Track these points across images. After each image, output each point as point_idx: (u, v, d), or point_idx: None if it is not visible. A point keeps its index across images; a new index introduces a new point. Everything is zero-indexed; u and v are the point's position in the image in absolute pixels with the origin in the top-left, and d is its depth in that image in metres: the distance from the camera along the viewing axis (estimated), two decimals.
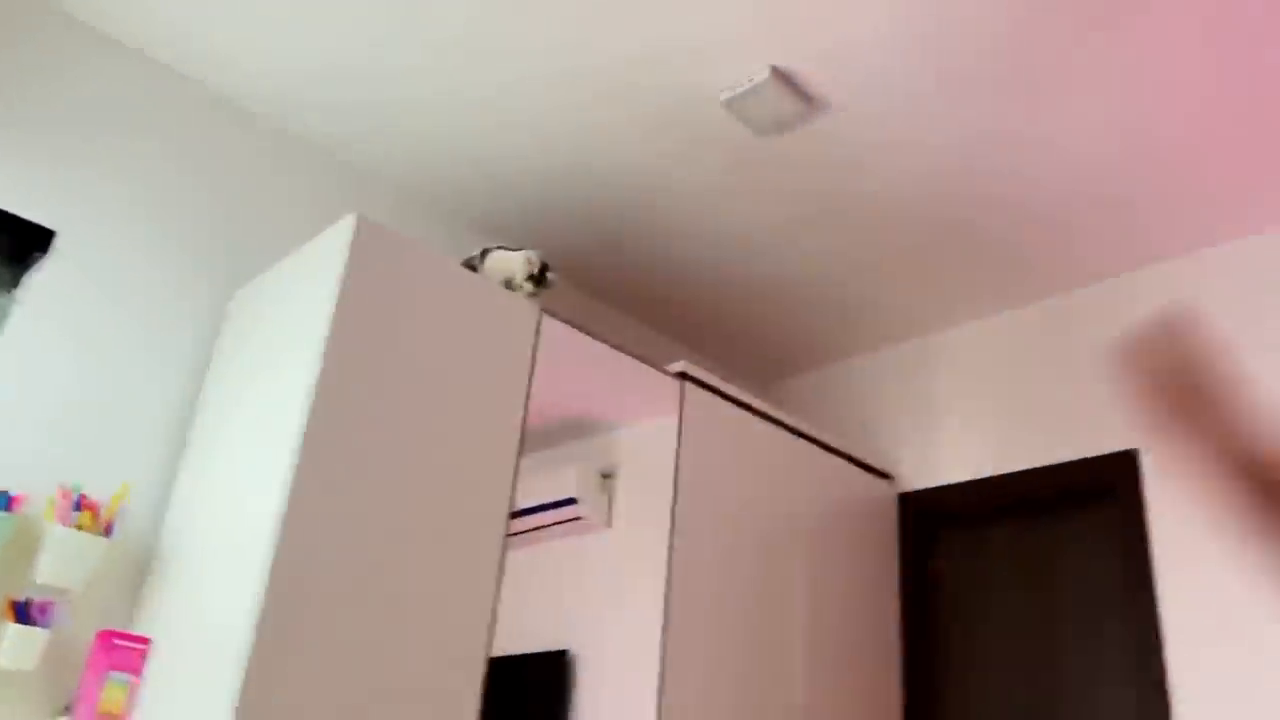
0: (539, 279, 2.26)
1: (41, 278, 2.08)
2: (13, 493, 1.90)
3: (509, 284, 2.27)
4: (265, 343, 2.09)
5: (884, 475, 3.15)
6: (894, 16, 2.08)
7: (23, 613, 1.85)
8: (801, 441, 2.84)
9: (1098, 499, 2.74)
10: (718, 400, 2.65)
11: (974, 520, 3.01)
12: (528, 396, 2.19)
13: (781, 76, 2.27)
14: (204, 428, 2.17)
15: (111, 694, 1.82)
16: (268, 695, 1.62)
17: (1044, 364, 2.96)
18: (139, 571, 2.09)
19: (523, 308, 2.24)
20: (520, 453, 2.14)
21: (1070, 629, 2.69)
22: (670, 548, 2.38)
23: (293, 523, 1.73)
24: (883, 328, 3.30)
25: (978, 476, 2.97)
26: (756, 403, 2.75)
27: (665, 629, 2.29)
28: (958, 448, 3.06)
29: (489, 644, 1.95)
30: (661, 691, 2.23)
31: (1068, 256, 2.81)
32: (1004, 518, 2.95)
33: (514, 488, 2.10)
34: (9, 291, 0.96)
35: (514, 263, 2.26)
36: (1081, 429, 2.79)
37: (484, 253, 2.32)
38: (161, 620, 1.95)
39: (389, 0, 2.16)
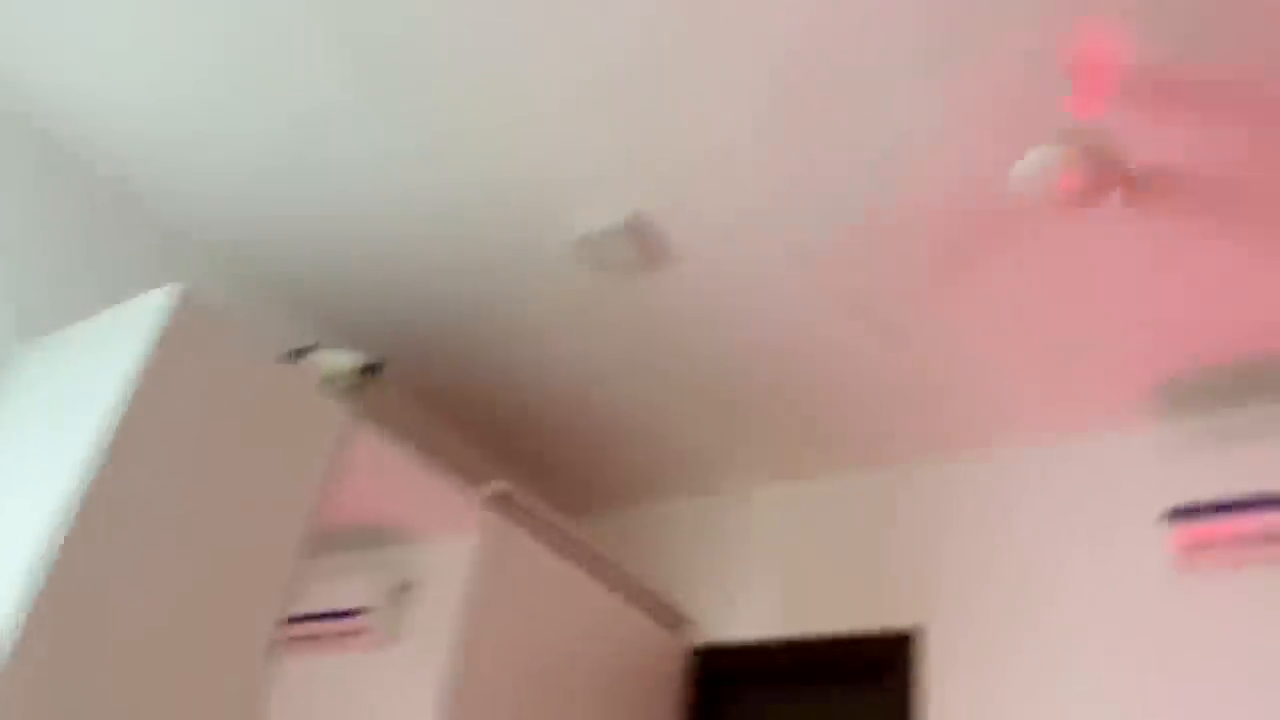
0: (365, 376, 2.21)
1: None
2: None
3: (332, 379, 2.21)
4: (51, 404, 1.94)
5: (677, 626, 3.16)
6: (753, 182, 2.21)
7: None
8: (601, 581, 2.83)
9: (877, 673, 2.82)
10: (524, 529, 2.61)
11: (761, 681, 3.04)
12: (323, 498, 2.11)
13: (634, 223, 2.35)
14: None
15: None
16: None
17: (840, 535, 3.08)
18: None
19: (334, 408, 2.17)
20: (304, 556, 2.04)
21: None
22: (452, 673, 2.29)
23: (46, 602, 1.57)
24: (696, 478, 3.37)
25: (768, 638, 3.02)
26: (563, 537, 2.73)
27: None
28: (751, 607, 3.12)
29: None
30: None
31: (873, 437, 2.97)
32: (788, 681, 2.99)
33: (290, 592, 1.99)
34: None
35: (339, 360, 2.21)
36: (865, 602, 2.89)
37: (308, 349, 2.25)
38: None
39: (243, 74, 2.14)
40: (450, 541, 2.54)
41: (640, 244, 2.39)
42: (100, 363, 1.90)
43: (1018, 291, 2.35)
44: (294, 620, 2.50)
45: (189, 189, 2.48)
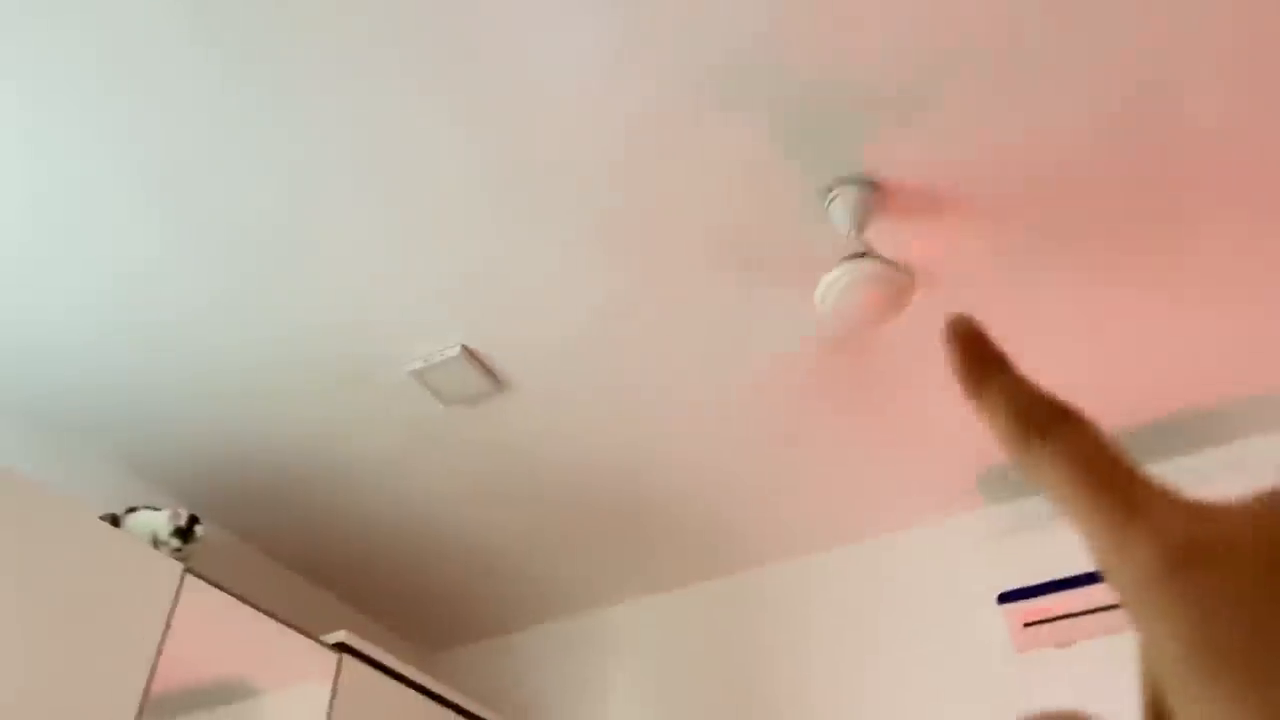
0: (185, 534, 2.13)
1: None
2: None
3: (155, 541, 2.12)
4: None
5: None
6: (577, 313, 2.27)
7: None
8: (461, 718, 2.74)
9: None
10: (376, 673, 2.53)
11: None
12: (160, 658, 2.00)
13: (469, 354, 2.37)
14: None
15: None
16: None
17: (697, 648, 3.08)
18: None
19: (164, 566, 2.08)
20: (142, 717, 1.91)
21: None
22: None
23: None
24: (552, 602, 3.33)
25: None
26: (418, 676, 2.65)
27: None
28: None
29: None
30: None
31: (727, 542, 3.02)
32: None
33: None
34: None
35: (158, 521, 2.12)
36: (740, 710, 2.89)
37: (126, 511, 2.16)
38: None
39: (50, 237, 2.09)
40: (300, 692, 2.43)
41: (476, 372, 2.41)
42: None
43: (855, 394, 2.47)
44: None
45: None
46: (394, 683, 2.57)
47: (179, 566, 2.11)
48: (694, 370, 2.42)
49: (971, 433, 2.59)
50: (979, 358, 0.26)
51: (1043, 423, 0.24)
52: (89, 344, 2.36)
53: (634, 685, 3.13)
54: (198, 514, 2.88)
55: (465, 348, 2.37)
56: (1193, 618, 0.20)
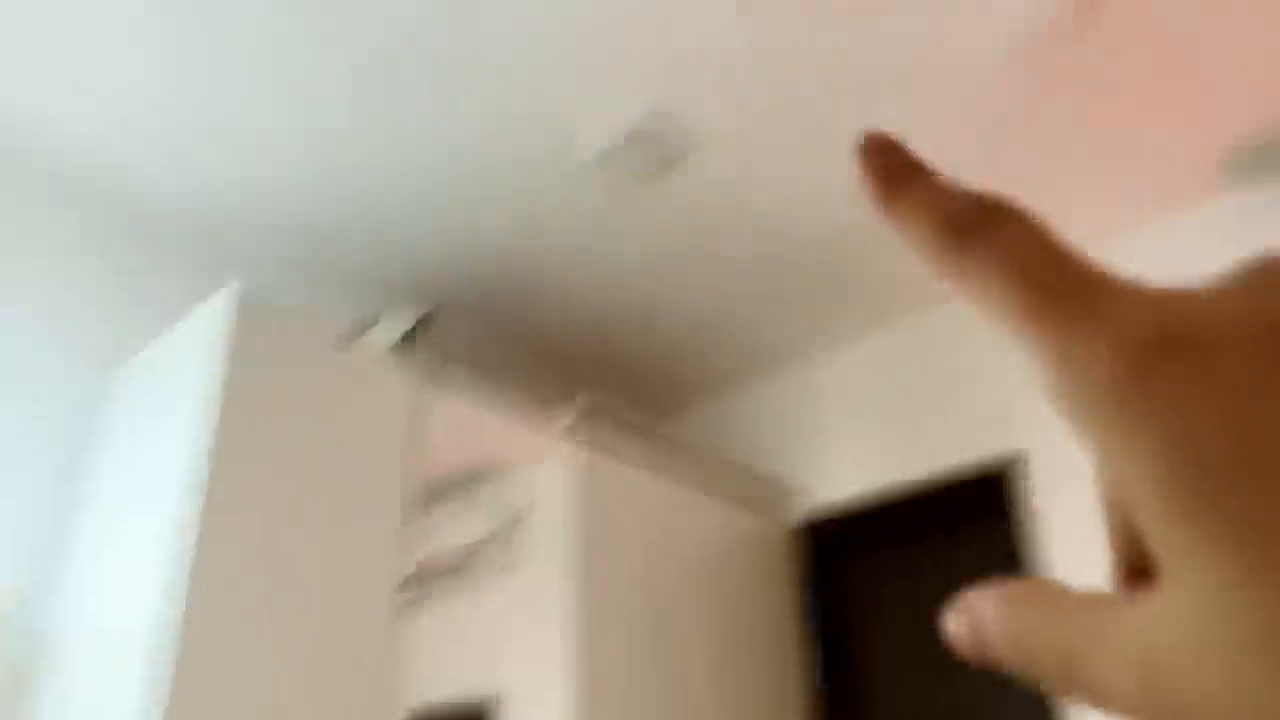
0: (414, 333, 2.27)
1: None
2: None
3: (391, 343, 2.28)
4: (145, 423, 2.05)
5: (778, 506, 3.23)
6: (762, 57, 2.16)
7: None
8: (695, 477, 2.90)
9: (987, 507, 2.85)
10: (609, 442, 2.69)
11: (869, 544, 3.10)
12: (412, 455, 2.20)
13: (651, 122, 2.33)
14: (88, 514, 2.11)
15: None
16: None
17: (917, 381, 3.08)
18: (22, 675, 2.02)
19: (402, 370, 2.24)
20: (409, 513, 2.14)
21: None
22: (572, 591, 2.40)
23: (184, 611, 1.70)
24: (764, 356, 3.39)
25: (871, 499, 3.06)
26: (647, 442, 2.81)
27: (575, 671, 2.31)
28: (845, 472, 3.16)
29: (399, 702, 1.94)
30: None
31: (923, 279, 2.93)
32: (897, 539, 3.04)
33: (404, 548, 2.10)
34: None
35: (389, 328, 2.27)
36: (961, 441, 2.91)
37: (361, 327, 2.32)
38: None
39: (249, 63, 2.15)
40: (546, 468, 2.63)
41: (659, 140, 2.37)
42: (179, 375, 1.99)
43: (1078, 84, 2.27)
44: (417, 570, 2.64)
45: (211, 191, 2.53)
46: (631, 448, 2.73)
47: (418, 367, 2.27)
48: (890, 85, 2.28)
49: (1213, 109, 2.34)
50: (895, 165, 0.22)
51: (972, 222, 0.20)
52: (306, 184, 2.48)
53: (853, 431, 3.19)
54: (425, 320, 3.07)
55: (645, 115, 2.32)
56: (1174, 425, 0.16)
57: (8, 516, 2.08)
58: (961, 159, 2.46)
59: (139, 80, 2.17)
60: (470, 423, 2.49)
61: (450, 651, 2.66)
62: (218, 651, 1.72)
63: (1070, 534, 2.60)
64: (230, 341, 1.93)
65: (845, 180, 2.52)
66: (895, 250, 2.81)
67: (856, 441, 3.17)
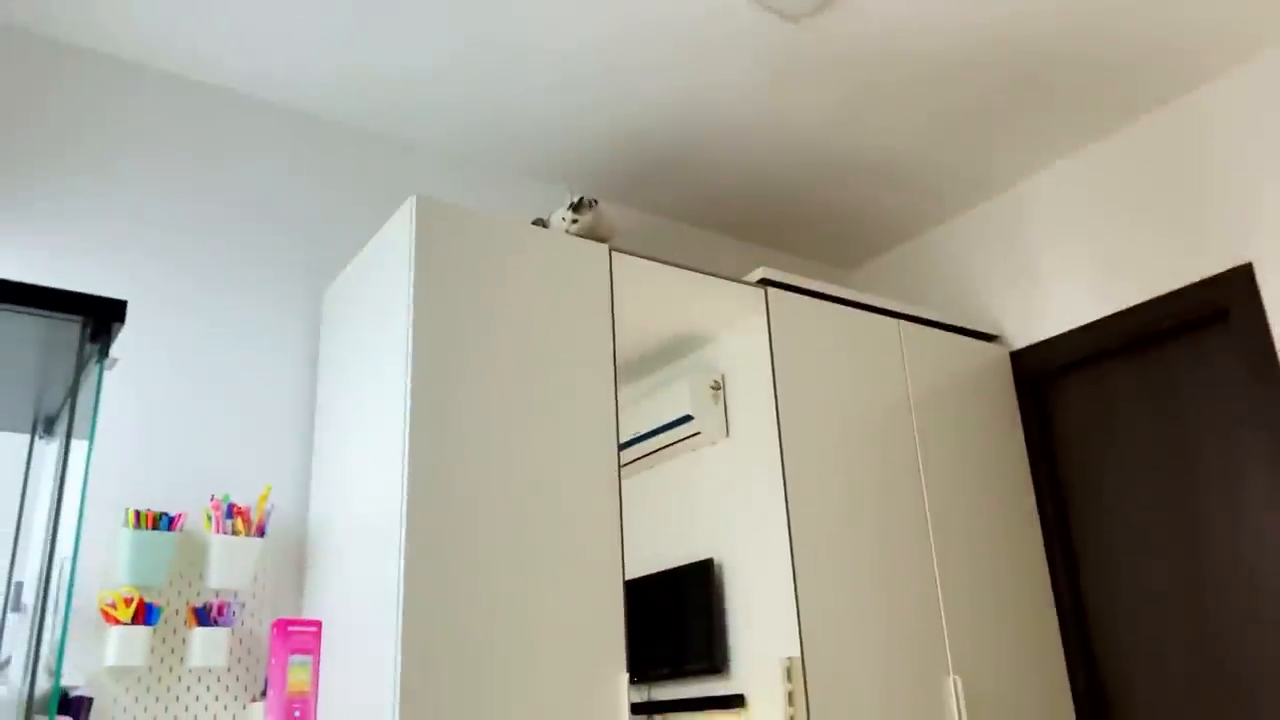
0: (578, 207, 2.31)
1: (153, 317, 2.25)
2: (173, 513, 2.09)
3: (571, 226, 2.33)
4: (361, 331, 2.21)
5: (990, 338, 3.11)
6: None
7: (204, 616, 2.05)
8: (897, 321, 2.83)
9: (1213, 321, 2.64)
10: (803, 299, 2.65)
11: (1090, 367, 2.95)
12: (613, 331, 2.25)
13: None
14: (325, 420, 2.32)
15: (296, 675, 2.01)
16: (424, 656, 1.77)
17: (1128, 196, 2.84)
18: (297, 561, 2.27)
19: (593, 251, 2.29)
20: (617, 383, 2.21)
21: (1206, 461, 2.63)
22: (781, 450, 2.43)
23: (416, 493, 1.85)
24: (960, 191, 3.21)
25: (1087, 321, 2.89)
26: (843, 292, 2.75)
27: (790, 527, 2.36)
28: (1060, 296, 2.99)
29: (623, 569, 2.05)
30: (796, 590, 2.31)
31: (1126, 85, 2.66)
32: (1120, 359, 2.88)
33: (618, 418, 2.18)
34: (100, 362, 1.07)
35: (558, 216, 2.33)
36: (1185, 253, 2.68)
37: (544, 216, 2.38)
38: (325, 602, 2.12)
39: None
40: (744, 332, 2.64)
41: None
42: (382, 284, 2.12)
43: None
44: (634, 440, 2.75)
45: (396, 105, 2.63)
46: (821, 303, 2.68)
47: (604, 249, 2.31)
48: None
49: None
50: None
51: None
52: (462, 66, 2.53)
53: (1061, 255, 2.99)
54: (597, 199, 3.10)
55: None
56: None
57: (256, 430, 2.32)
58: None
59: (340, 18, 2.26)
60: (662, 294, 2.52)
61: (676, 518, 2.77)
62: (448, 530, 1.87)
63: None
64: (419, 243, 2.03)
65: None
66: (1097, 56, 2.56)
67: (1065, 266, 2.98)
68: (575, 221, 2.31)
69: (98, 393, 1.04)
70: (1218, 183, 2.64)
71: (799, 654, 2.27)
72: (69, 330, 0.99)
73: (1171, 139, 2.77)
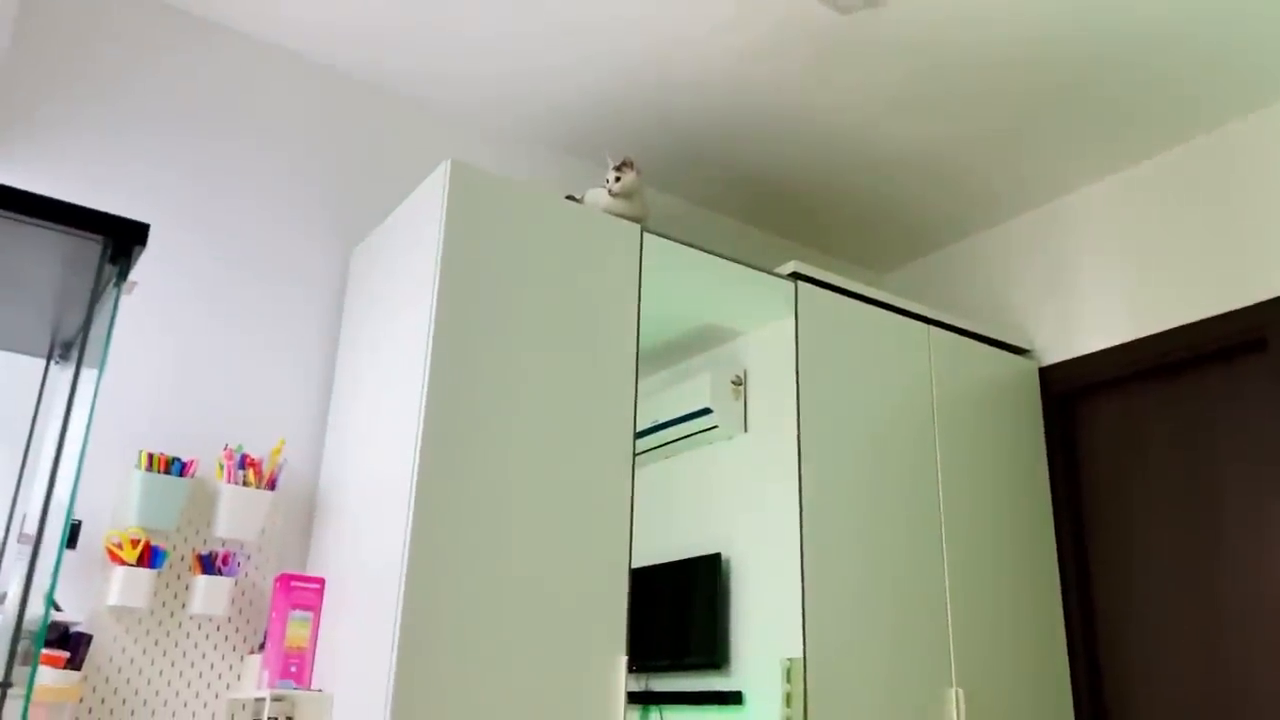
0: (621, 167, 2.30)
1: (178, 259, 2.25)
2: (185, 459, 2.09)
3: (608, 208, 2.30)
4: (385, 293, 2.20)
5: (1021, 351, 3.06)
6: None
7: (208, 564, 2.05)
8: (928, 326, 2.79)
9: (1250, 349, 2.58)
10: (834, 296, 2.62)
11: (1120, 388, 2.89)
12: (639, 315, 2.23)
13: None
14: (344, 379, 2.32)
15: (295, 630, 2.01)
16: (425, 621, 1.75)
17: (1174, 217, 2.78)
18: (306, 517, 2.27)
19: (624, 230, 2.26)
20: (639, 368, 2.18)
21: (1231, 491, 2.57)
22: (799, 449, 2.40)
23: (429, 460, 1.84)
24: (1001, 200, 3.16)
25: (1120, 342, 2.84)
26: (874, 293, 2.71)
27: (802, 528, 2.33)
28: (1095, 315, 2.93)
29: (629, 553, 2.03)
30: (803, 591, 2.28)
31: (1184, 103, 2.61)
32: (1151, 382, 2.82)
33: (636, 403, 2.15)
34: (118, 285, 1.05)
35: (602, 192, 2.31)
36: (1223, 280, 2.62)
37: (578, 192, 2.36)
38: (331, 560, 2.12)
39: None
40: (771, 327, 2.61)
41: None
42: (411, 248, 2.11)
43: None
44: (651, 428, 2.73)
45: (439, 73, 2.62)
46: (851, 301, 2.65)
47: (636, 228, 2.29)
48: None
49: None
50: None
51: None
52: (508, 37, 2.52)
53: (1098, 273, 2.94)
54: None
55: None
56: None
57: (274, 383, 2.32)
58: None
59: None
60: (689, 285, 2.49)
61: (687, 510, 2.75)
62: (457, 499, 1.86)
63: None
64: (450, 209, 2.01)
65: (1073, 8, 2.25)
66: (1155, 72, 2.51)
67: (1102, 284, 2.93)
68: (619, 180, 2.30)
69: (113, 317, 1.03)
70: (1264, 210, 2.58)
71: (801, 655, 2.24)
72: (89, 250, 0.98)
73: (1221, 163, 2.71)
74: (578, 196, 2.36)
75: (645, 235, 2.31)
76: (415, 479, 1.82)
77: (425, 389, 1.88)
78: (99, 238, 0.97)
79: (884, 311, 2.71)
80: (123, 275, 1.02)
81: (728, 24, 2.41)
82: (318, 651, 2.02)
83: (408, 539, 1.78)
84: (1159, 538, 2.71)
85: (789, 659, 2.26)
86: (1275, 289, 2.51)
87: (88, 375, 1.00)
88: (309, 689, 1.98)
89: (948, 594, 2.54)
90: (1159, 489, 2.74)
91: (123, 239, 0.98)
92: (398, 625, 1.73)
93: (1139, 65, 2.49)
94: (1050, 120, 2.73)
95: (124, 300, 2.12)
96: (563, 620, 1.90)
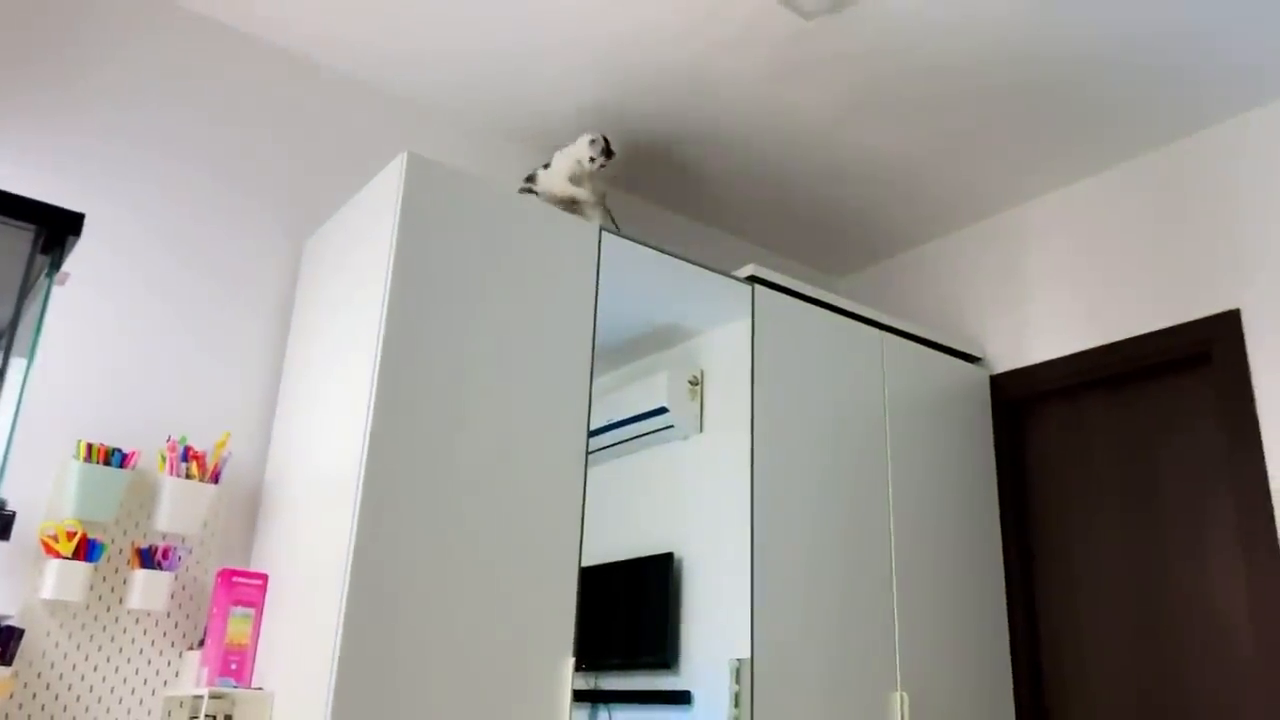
0: (607, 151, 2.31)
1: (125, 247, 2.20)
2: (126, 450, 2.04)
3: (575, 179, 2.31)
4: (337, 285, 2.17)
5: (972, 359, 3.09)
6: None
7: (148, 558, 2.00)
8: (881, 332, 2.80)
9: (1195, 364, 2.63)
10: (790, 300, 2.62)
11: (1069, 398, 2.93)
12: (595, 313, 2.21)
13: None
14: (292, 372, 2.28)
15: (236, 626, 1.97)
16: (369, 619, 1.73)
17: (1124, 231, 2.82)
18: (250, 512, 2.23)
19: (580, 226, 2.25)
20: (594, 367, 2.17)
21: (1173, 500, 2.62)
22: (752, 451, 2.40)
23: (376, 456, 1.82)
24: (956, 209, 3.19)
25: (1070, 352, 2.88)
26: (830, 298, 2.72)
27: (753, 529, 2.33)
28: (1045, 325, 2.97)
29: (580, 552, 2.02)
30: (753, 592, 2.28)
31: (1135, 119, 2.65)
32: (1099, 393, 2.86)
33: (591, 401, 2.14)
34: (49, 276, 1.02)
35: (577, 150, 2.31)
36: (1171, 295, 2.67)
37: (544, 166, 2.35)
38: (274, 556, 2.08)
39: None
40: (728, 328, 2.61)
41: None
42: (364, 240, 2.08)
43: None
44: (606, 427, 2.71)
45: (394, 60, 2.58)
46: (807, 305, 2.66)
47: (595, 227, 2.27)
48: None
49: None
50: None
51: None
52: (466, 24, 2.49)
53: (1051, 283, 2.98)
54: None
55: None
56: None
57: (220, 374, 2.27)
58: None
59: None
60: (646, 284, 2.49)
61: (641, 509, 2.74)
62: (405, 495, 1.84)
63: None
64: (406, 202, 1.99)
65: (1034, 24, 2.28)
66: (1088, 95, 2.54)
67: (1055, 295, 2.96)
68: (603, 165, 2.34)
69: (43, 308, 0.99)
70: (1213, 226, 2.63)
71: (749, 656, 2.24)
72: (21, 240, 0.95)
73: (1170, 179, 2.75)
74: (542, 169, 2.35)
75: (604, 234, 2.29)
76: (362, 474, 1.80)
77: (375, 383, 1.86)
78: (31, 227, 0.94)
79: (839, 317, 2.72)
80: (55, 266, 0.99)
81: (691, 25, 2.40)
82: (259, 649, 1.98)
83: (353, 536, 1.76)
84: (1102, 545, 2.75)
85: (738, 660, 2.26)
86: (1220, 305, 2.56)
87: (17, 364, 0.96)
88: (249, 687, 1.94)
89: (895, 598, 2.56)
90: (1103, 497, 2.78)
91: (56, 229, 0.95)
92: (341, 623, 1.70)
93: (1092, 80, 2.53)
94: (1005, 130, 2.76)
95: (68, 287, 2.07)
96: (510, 619, 1.89)
